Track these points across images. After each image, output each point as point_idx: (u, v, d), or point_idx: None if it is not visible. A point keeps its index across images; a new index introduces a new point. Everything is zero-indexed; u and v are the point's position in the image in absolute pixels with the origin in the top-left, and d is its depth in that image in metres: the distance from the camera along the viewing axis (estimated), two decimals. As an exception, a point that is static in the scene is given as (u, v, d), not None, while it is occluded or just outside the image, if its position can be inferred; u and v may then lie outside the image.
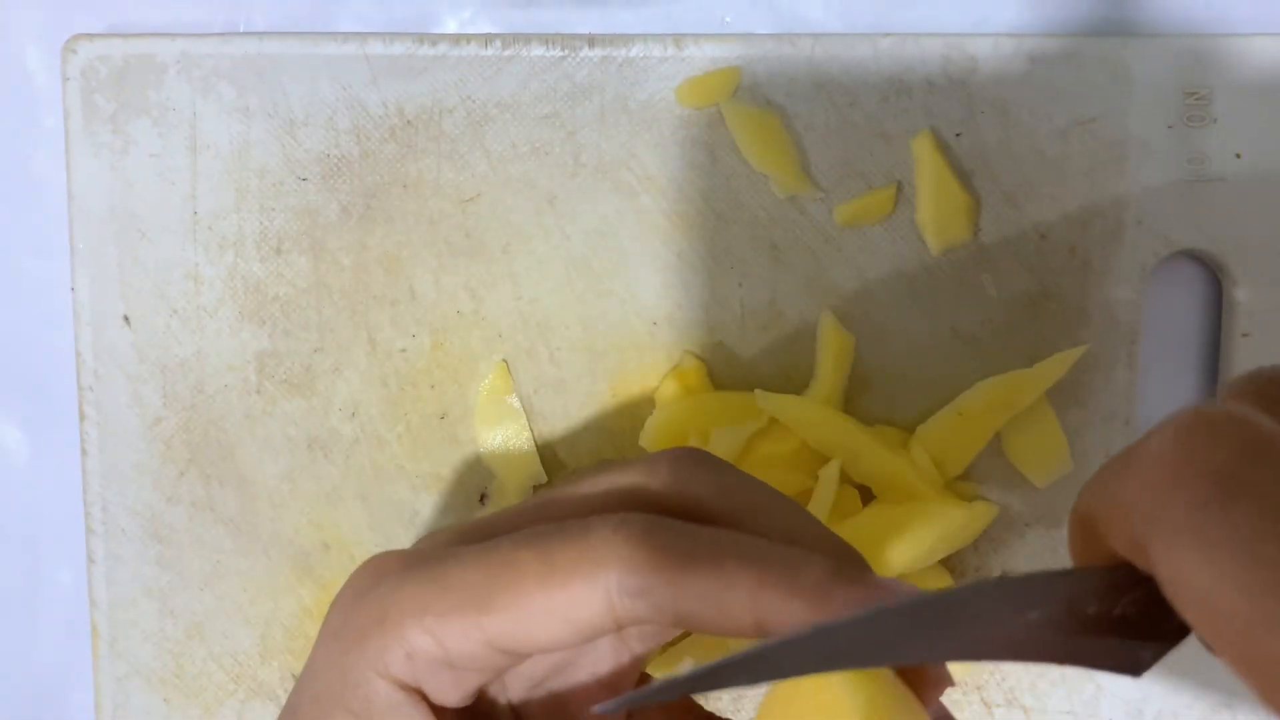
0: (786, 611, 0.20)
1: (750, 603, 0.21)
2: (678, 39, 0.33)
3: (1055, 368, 0.33)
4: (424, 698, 0.23)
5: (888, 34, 0.34)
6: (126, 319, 0.35)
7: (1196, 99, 0.33)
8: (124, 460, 0.35)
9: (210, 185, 0.34)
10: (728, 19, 0.35)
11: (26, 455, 0.37)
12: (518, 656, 0.23)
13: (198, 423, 0.35)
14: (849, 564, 0.22)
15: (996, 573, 0.35)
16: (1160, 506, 0.15)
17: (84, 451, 0.35)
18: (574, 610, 0.21)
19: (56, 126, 0.35)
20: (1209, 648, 0.16)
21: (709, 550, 0.21)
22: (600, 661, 0.26)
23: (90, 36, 0.34)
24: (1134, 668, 0.20)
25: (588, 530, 0.22)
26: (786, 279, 0.34)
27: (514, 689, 0.25)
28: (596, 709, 0.20)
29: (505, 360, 0.34)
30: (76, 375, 0.35)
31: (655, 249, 0.34)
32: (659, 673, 0.34)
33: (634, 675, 0.26)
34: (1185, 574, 0.15)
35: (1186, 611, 0.15)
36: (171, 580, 0.35)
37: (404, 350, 0.35)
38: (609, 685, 0.26)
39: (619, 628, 0.22)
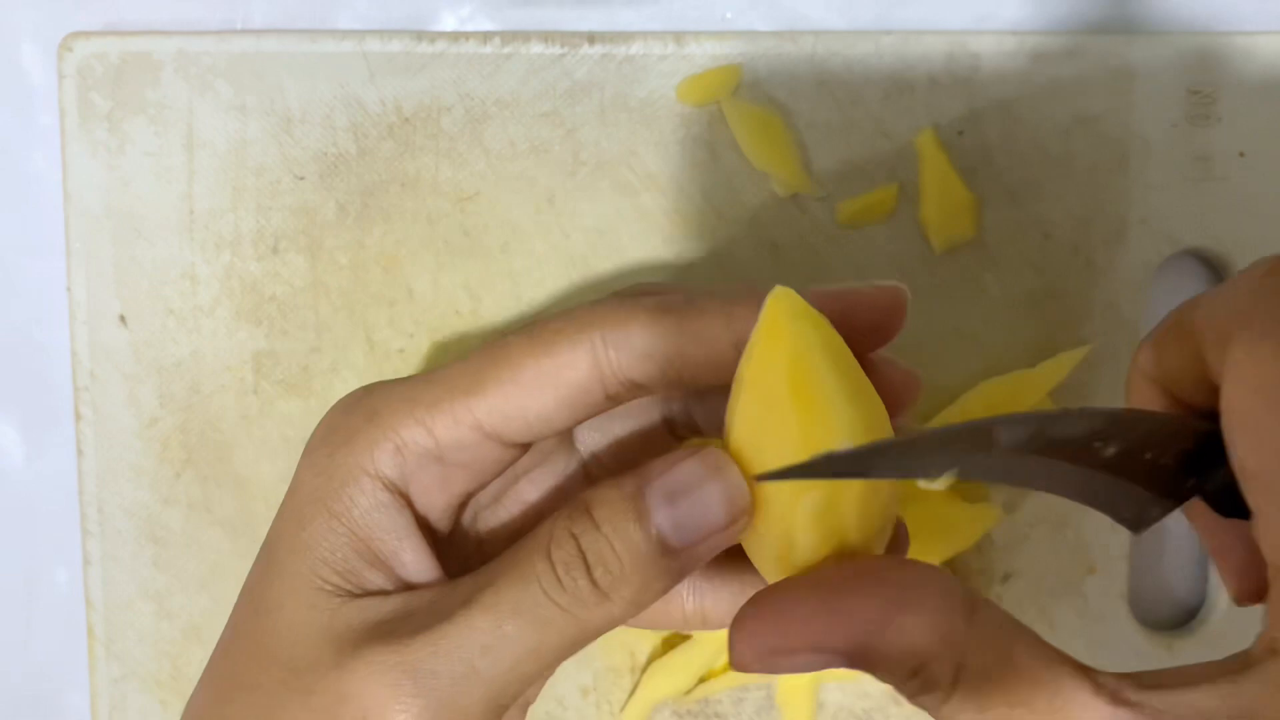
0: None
1: (727, 321, 0.22)
2: (678, 36, 0.33)
3: (1059, 368, 0.33)
4: (410, 505, 0.23)
5: (890, 31, 0.33)
6: (123, 318, 0.34)
7: (1200, 97, 0.33)
8: (120, 461, 0.35)
9: (207, 184, 0.34)
10: (728, 16, 0.34)
11: (22, 456, 0.36)
12: (507, 445, 0.23)
13: (194, 423, 0.35)
14: None
15: (1000, 574, 0.34)
16: (1235, 326, 0.18)
17: (80, 452, 0.35)
18: (562, 372, 0.22)
19: (52, 125, 0.35)
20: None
21: (680, 298, 0.23)
22: (551, 476, 0.27)
23: (86, 34, 0.34)
24: (1136, 524, 0.22)
25: (569, 311, 0.23)
26: (787, 278, 0.34)
27: (483, 517, 0.26)
28: None
29: (504, 360, 0.34)
30: (72, 375, 0.34)
31: (655, 248, 0.34)
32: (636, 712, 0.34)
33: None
34: (1243, 378, 0.18)
35: (1233, 420, 0.18)
36: (168, 582, 0.35)
37: (402, 350, 0.34)
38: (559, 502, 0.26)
39: (606, 393, 0.23)
